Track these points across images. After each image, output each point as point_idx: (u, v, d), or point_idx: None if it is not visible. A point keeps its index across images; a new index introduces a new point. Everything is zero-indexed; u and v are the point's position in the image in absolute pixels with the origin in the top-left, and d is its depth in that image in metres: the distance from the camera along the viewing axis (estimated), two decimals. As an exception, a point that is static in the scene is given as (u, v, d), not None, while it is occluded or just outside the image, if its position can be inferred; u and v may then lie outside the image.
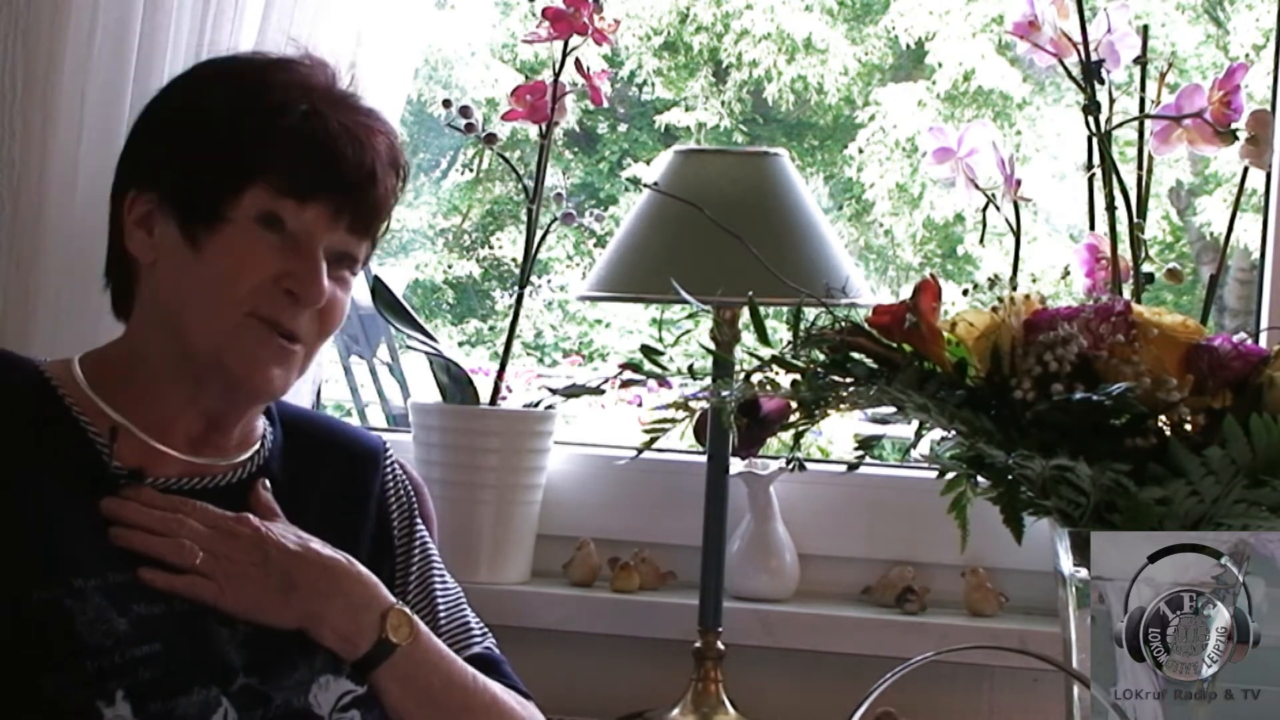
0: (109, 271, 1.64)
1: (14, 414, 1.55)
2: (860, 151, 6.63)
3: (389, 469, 1.74)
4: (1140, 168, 1.83)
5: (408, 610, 1.59)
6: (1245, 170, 1.81)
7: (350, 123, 1.58)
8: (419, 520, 1.75)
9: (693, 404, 1.62)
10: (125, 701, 1.45)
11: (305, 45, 1.68)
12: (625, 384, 1.67)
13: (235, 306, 1.54)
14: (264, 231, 1.54)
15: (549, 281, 6.63)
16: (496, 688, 1.65)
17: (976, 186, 1.83)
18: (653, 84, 6.91)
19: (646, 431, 1.62)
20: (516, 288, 2.35)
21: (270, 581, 1.54)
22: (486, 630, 1.74)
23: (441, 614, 1.70)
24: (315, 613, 1.55)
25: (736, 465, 2.23)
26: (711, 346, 2.08)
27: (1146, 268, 1.83)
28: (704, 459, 2.18)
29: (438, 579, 1.72)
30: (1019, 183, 1.82)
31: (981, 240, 1.86)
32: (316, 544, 1.58)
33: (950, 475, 1.59)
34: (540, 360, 6.62)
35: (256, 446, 1.66)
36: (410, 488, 1.76)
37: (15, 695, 1.44)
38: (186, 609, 1.53)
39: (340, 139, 1.56)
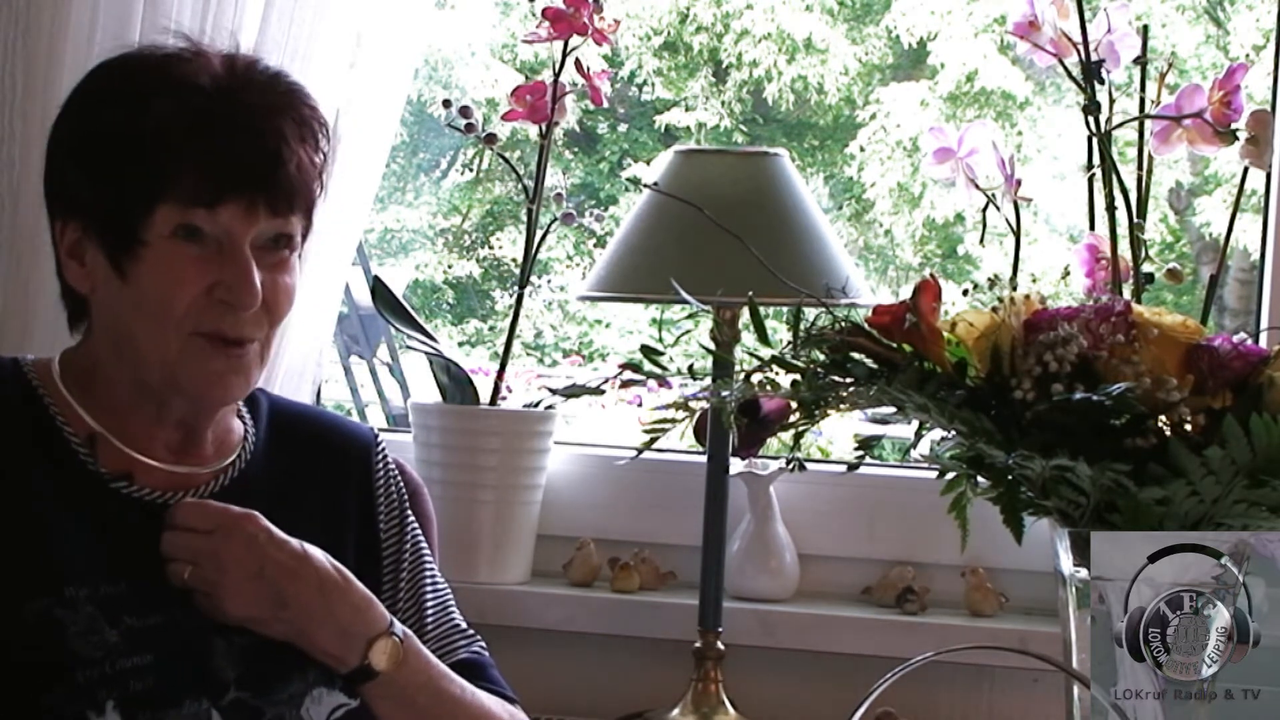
0: (62, 291, 1.62)
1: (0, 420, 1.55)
2: (861, 150, 6.63)
3: (379, 463, 1.73)
4: (1140, 168, 1.83)
5: (398, 634, 1.57)
6: (1245, 170, 1.81)
7: (245, 108, 1.54)
8: (410, 518, 1.73)
9: (693, 404, 1.62)
10: (115, 712, 1.45)
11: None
12: (625, 384, 1.67)
13: (176, 329, 1.52)
14: (184, 245, 1.51)
15: (549, 281, 6.63)
16: (485, 697, 1.64)
17: (976, 186, 1.83)
18: (653, 84, 6.90)
19: (646, 431, 1.62)
20: (516, 288, 2.35)
21: (263, 595, 1.53)
22: (474, 634, 1.73)
23: (430, 619, 1.70)
24: (304, 632, 1.54)
25: (736, 465, 2.23)
26: (711, 346, 2.08)
27: (1146, 268, 1.83)
28: (704, 459, 2.18)
29: (429, 582, 1.71)
30: (1019, 183, 1.82)
31: (981, 240, 1.86)
32: (314, 559, 1.55)
33: (950, 475, 1.59)
34: (540, 360, 6.62)
35: (238, 450, 1.65)
36: (401, 484, 1.74)
37: (7, 706, 1.44)
38: (181, 621, 1.52)
39: (234, 132, 1.53)
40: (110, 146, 1.53)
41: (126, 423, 1.57)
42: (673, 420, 1.62)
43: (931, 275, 1.61)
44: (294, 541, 1.55)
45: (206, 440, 1.62)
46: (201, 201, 1.51)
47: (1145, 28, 1.84)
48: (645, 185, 2.19)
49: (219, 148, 1.52)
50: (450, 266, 7.00)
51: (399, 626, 1.59)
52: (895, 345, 1.61)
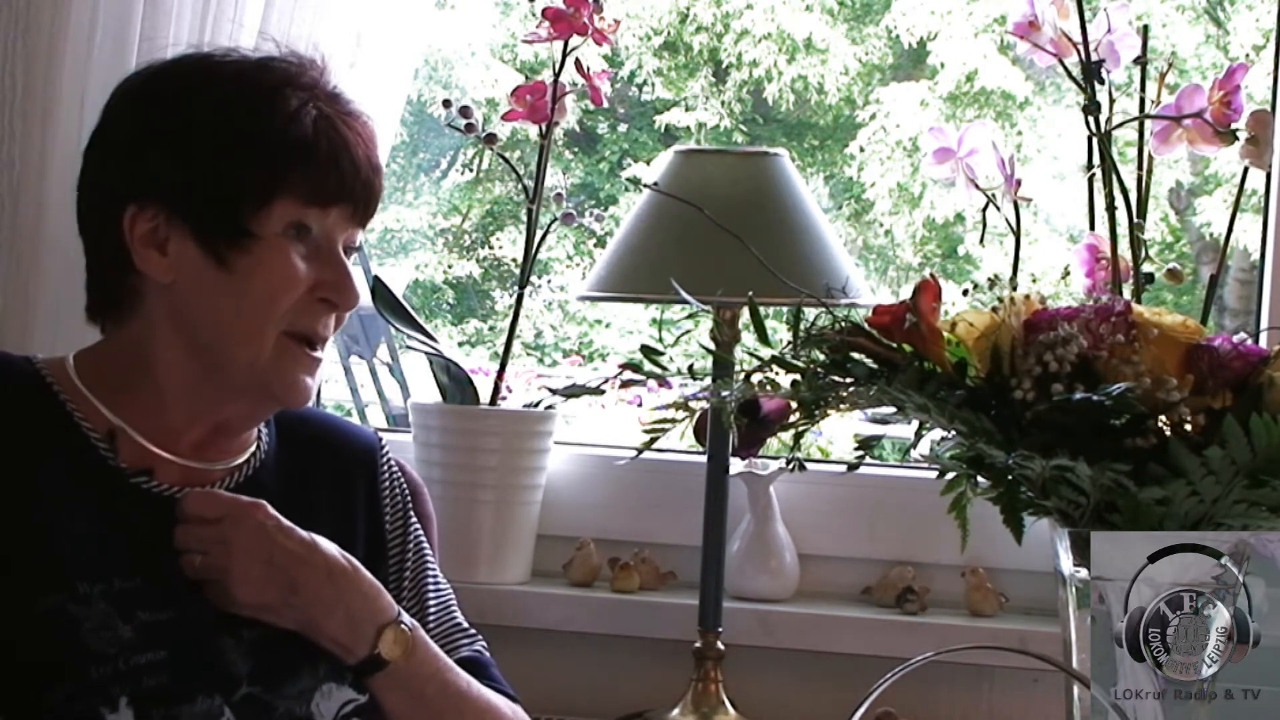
0: (95, 284, 1.60)
1: (14, 416, 1.54)
2: (861, 151, 6.63)
3: (384, 466, 1.73)
4: (1140, 168, 1.83)
5: (406, 624, 1.58)
6: (1245, 170, 1.81)
7: (347, 116, 1.58)
8: (413, 518, 1.74)
9: (693, 404, 1.62)
10: (129, 709, 1.45)
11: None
12: (625, 384, 1.67)
13: (275, 326, 1.54)
14: (294, 243, 1.54)
15: (549, 281, 6.63)
16: (489, 693, 1.65)
17: (976, 186, 1.83)
18: (653, 84, 6.91)
19: (646, 431, 1.62)
20: (516, 288, 2.35)
21: (273, 582, 1.53)
22: (475, 633, 1.73)
23: (431, 617, 1.70)
24: (314, 620, 1.55)
25: (736, 465, 2.23)
26: (711, 346, 2.08)
27: (1146, 268, 1.83)
28: (704, 459, 2.18)
29: (430, 581, 1.72)
30: (1019, 183, 1.82)
31: (981, 240, 1.86)
32: (322, 546, 1.56)
33: (950, 475, 1.59)
34: (540, 360, 6.62)
35: (252, 449, 1.65)
36: (404, 485, 1.75)
37: (20, 701, 1.44)
38: (193, 617, 1.52)
39: (348, 138, 1.57)
40: (230, 130, 1.53)
41: (158, 418, 1.57)
42: (673, 420, 1.62)
43: (931, 275, 1.61)
44: (302, 530, 1.56)
45: (238, 439, 1.63)
46: (319, 200, 1.54)
47: (1145, 28, 1.84)
48: (645, 185, 2.19)
49: (342, 150, 1.56)
50: (450, 266, 7.00)
51: (406, 617, 1.59)
52: (895, 345, 1.61)
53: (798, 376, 1.61)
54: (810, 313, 1.65)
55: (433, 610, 1.70)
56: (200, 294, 1.54)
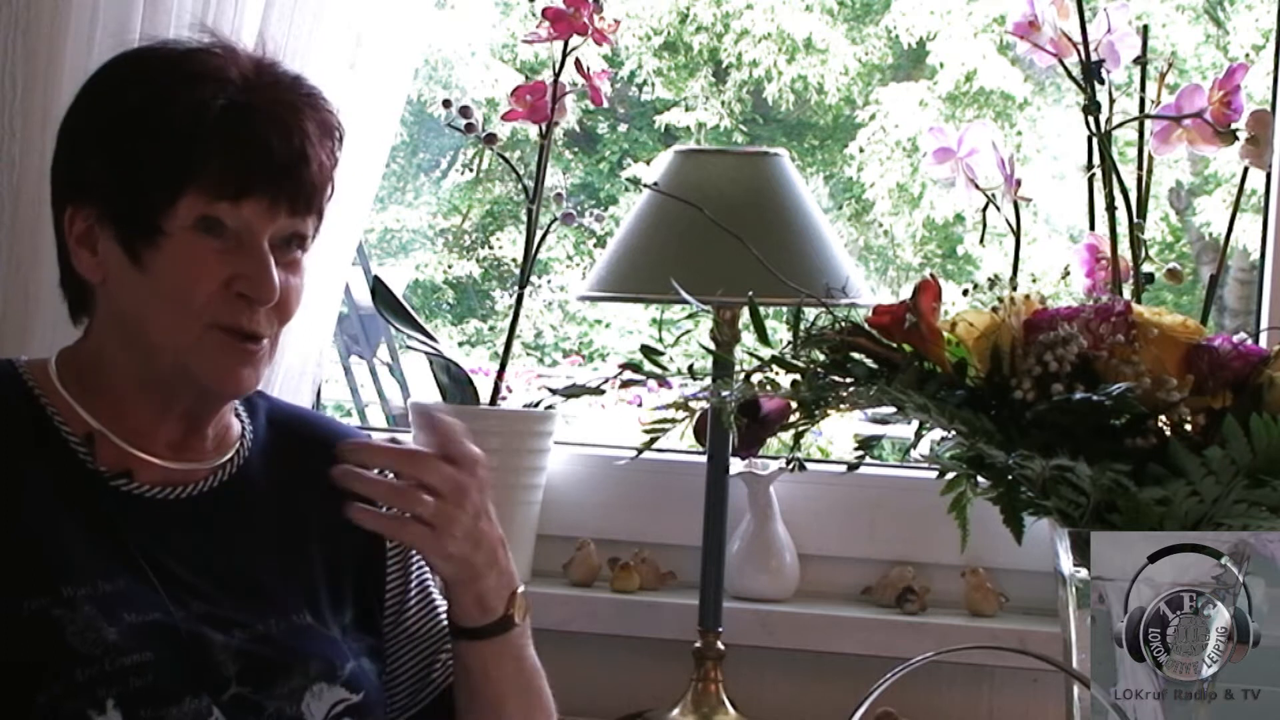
0: (63, 282, 1.61)
1: None
2: (861, 151, 6.63)
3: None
4: (1140, 168, 1.83)
5: (524, 593, 1.61)
6: (1245, 170, 1.81)
7: (272, 105, 1.55)
8: None
9: (693, 404, 1.62)
10: (116, 710, 1.44)
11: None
12: (625, 384, 1.67)
13: (194, 320, 1.52)
14: (205, 237, 1.52)
15: (549, 281, 6.63)
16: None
17: (976, 186, 1.83)
18: (653, 84, 6.91)
19: (646, 431, 1.62)
20: (516, 288, 2.35)
21: (476, 538, 1.54)
22: None
23: (441, 620, 1.69)
24: (476, 575, 1.56)
25: (736, 465, 2.23)
26: (711, 346, 2.08)
27: (1146, 268, 1.83)
28: (704, 459, 2.18)
29: (430, 587, 1.71)
30: (1019, 183, 1.82)
31: (981, 240, 1.87)
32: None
33: (950, 475, 1.59)
34: (540, 360, 6.62)
35: (236, 447, 1.64)
36: None
37: (7, 705, 1.43)
38: (180, 618, 1.51)
39: (263, 127, 1.53)
40: (136, 133, 1.53)
41: (128, 418, 1.57)
42: (673, 420, 1.62)
43: (931, 275, 1.61)
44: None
45: (208, 436, 1.62)
46: (227, 194, 1.52)
47: (1145, 28, 1.84)
48: (645, 185, 2.19)
49: (248, 142, 1.53)
50: (450, 266, 7.00)
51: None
52: (895, 345, 1.61)
53: (798, 376, 1.61)
54: (810, 313, 1.65)
55: (440, 614, 1.70)
56: (124, 292, 1.54)
